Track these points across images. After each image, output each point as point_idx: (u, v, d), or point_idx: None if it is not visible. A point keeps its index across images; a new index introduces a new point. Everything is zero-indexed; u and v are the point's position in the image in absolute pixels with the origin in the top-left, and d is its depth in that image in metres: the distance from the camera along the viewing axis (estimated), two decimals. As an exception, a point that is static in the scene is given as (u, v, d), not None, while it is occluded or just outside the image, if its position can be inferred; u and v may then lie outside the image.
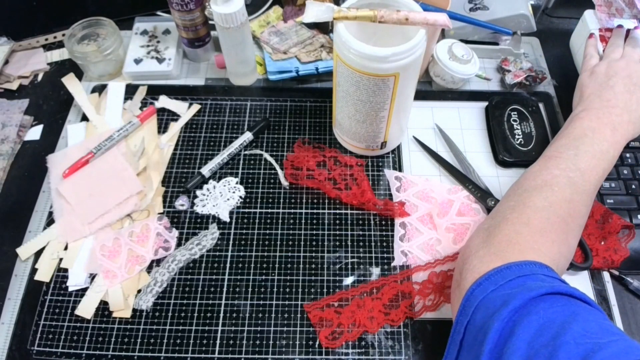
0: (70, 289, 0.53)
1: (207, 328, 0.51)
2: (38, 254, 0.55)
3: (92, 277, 0.54)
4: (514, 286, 0.38)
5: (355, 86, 0.51)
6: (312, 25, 0.72)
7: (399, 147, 0.63)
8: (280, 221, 0.58)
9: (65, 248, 0.55)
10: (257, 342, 0.50)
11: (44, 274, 0.54)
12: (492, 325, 0.35)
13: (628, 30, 0.62)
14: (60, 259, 0.55)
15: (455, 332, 0.39)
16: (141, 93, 0.68)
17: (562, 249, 0.44)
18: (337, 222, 0.58)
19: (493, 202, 0.57)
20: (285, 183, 0.60)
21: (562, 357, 0.31)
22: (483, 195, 0.58)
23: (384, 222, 0.57)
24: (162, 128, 0.65)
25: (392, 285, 0.53)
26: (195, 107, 0.67)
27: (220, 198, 0.59)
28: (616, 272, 0.53)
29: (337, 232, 0.57)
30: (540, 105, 0.66)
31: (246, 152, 0.63)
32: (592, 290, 0.53)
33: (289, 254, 0.55)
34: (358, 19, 0.48)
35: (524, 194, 0.47)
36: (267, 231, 0.57)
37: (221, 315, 0.52)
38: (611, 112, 0.52)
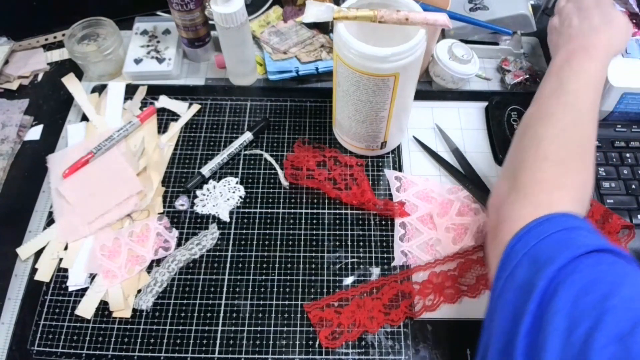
0: (70, 289, 0.53)
1: (207, 328, 0.51)
2: (38, 254, 0.55)
3: (92, 277, 0.54)
4: (559, 240, 0.37)
5: (355, 86, 0.51)
6: (312, 25, 0.72)
7: (399, 147, 0.63)
8: (280, 221, 0.58)
9: (65, 248, 0.55)
10: (257, 342, 0.50)
11: (44, 274, 0.54)
12: (538, 284, 0.34)
13: None
14: (60, 259, 0.55)
15: (495, 288, 0.38)
16: (141, 93, 0.68)
17: (584, 177, 0.44)
18: (337, 222, 0.57)
19: (493, 202, 0.57)
20: (285, 183, 0.60)
21: (609, 322, 0.30)
22: (483, 195, 0.58)
23: (384, 222, 0.57)
24: (162, 128, 0.65)
25: (392, 285, 0.53)
26: (195, 107, 0.67)
27: (220, 198, 0.59)
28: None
29: (337, 232, 0.57)
30: (540, 105, 0.66)
31: (246, 152, 0.63)
32: (592, 290, 0.53)
33: (289, 254, 0.55)
34: (358, 19, 0.48)
35: (529, 130, 0.47)
36: (267, 231, 0.57)
37: (221, 315, 0.52)
38: (575, 42, 0.53)
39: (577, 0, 0.58)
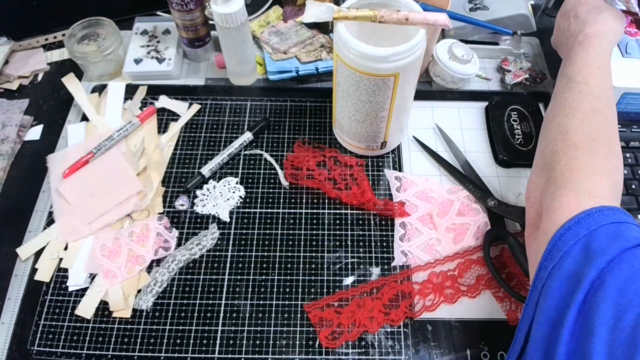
0: (70, 289, 0.53)
1: (207, 328, 0.51)
2: (38, 254, 0.55)
3: (92, 277, 0.54)
4: (609, 233, 0.37)
5: (355, 86, 0.51)
6: (312, 25, 0.72)
7: (399, 147, 0.63)
8: (280, 221, 0.58)
9: (65, 248, 0.55)
10: (257, 342, 0.50)
11: (44, 274, 0.54)
12: (587, 275, 0.34)
13: None
14: (60, 259, 0.55)
15: (539, 278, 0.38)
16: (141, 93, 0.68)
17: (614, 163, 0.45)
18: (337, 222, 0.57)
19: (493, 202, 0.57)
20: (285, 183, 0.60)
21: None
22: (483, 195, 0.58)
23: (384, 222, 0.57)
24: (162, 128, 0.65)
25: (392, 285, 0.53)
26: (195, 107, 0.67)
27: (220, 198, 0.59)
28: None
29: (337, 232, 0.57)
30: (540, 105, 0.66)
31: (246, 152, 0.63)
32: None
33: (289, 254, 0.55)
34: (358, 19, 0.48)
35: (553, 123, 0.48)
36: (267, 231, 0.57)
37: (221, 315, 0.52)
38: (570, 42, 0.55)
39: (565, 8, 0.60)
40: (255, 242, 0.56)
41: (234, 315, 0.52)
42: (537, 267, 0.39)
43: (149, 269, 0.54)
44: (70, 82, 0.67)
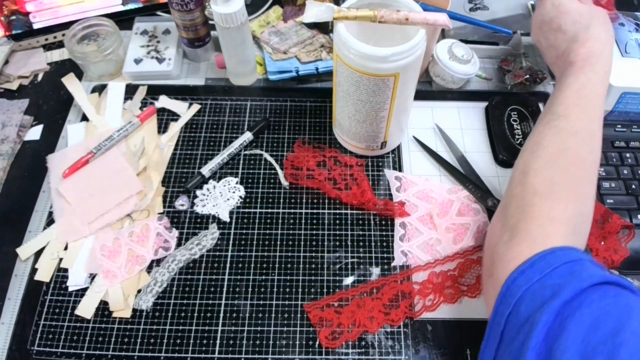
0: (70, 289, 0.53)
1: (207, 328, 0.51)
2: (38, 254, 0.55)
3: (92, 277, 0.54)
4: (562, 275, 0.36)
5: (355, 86, 0.51)
6: (312, 25, 0.72)
7: (399, 147, 0.63)
8: (280, 221, 0.58)
9: (65, 248, 0.55)
10: (257, 342, 0.50)
11: (44, 274, 0.54)
12: (541, 319, 0.33)
13: None
14: (60, 259, 0.55)
15: (495, 324, 0.37)
16: (141, 93, 0.68)
17: (577, 207, 0.42)
18: (337, 222, 0.57)
19: (493, 202, 0.57)
20: (285, 183, 0.60)
21: (623, 356, 0.30)
22: (483, 195, 0.58)
23: (384, 222, 0.57)
24: (162, 128, 0.65)
25: (392, 285, 0.53)
26: (195, 107, 0.67)
27: (220, 198, 0.59)
28: (616, 272, 0.53)
29: (337, 232, 0.57)
30: (540, 105, 0.66)
31: (246, 152, 0.63)
32: (592, 290, 0.53)
33: (289, 254, 0.55)
34: (358, 19, 0.48)
35: (519, 162, 0.47)
36: (267, 231, 0.57)
37: (221, 315, 0.52)
38: (560, 62, 0.51)
39: (541, 18, 0.54)
40: (255, 242, 0.56)
41: (234, 315, 0.52)
42: (491, 312, 0.39)
43: (149, 269, 0.54)
44: (70, 82, 0.67)
